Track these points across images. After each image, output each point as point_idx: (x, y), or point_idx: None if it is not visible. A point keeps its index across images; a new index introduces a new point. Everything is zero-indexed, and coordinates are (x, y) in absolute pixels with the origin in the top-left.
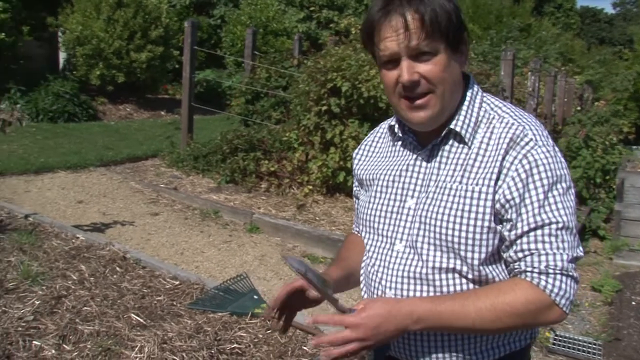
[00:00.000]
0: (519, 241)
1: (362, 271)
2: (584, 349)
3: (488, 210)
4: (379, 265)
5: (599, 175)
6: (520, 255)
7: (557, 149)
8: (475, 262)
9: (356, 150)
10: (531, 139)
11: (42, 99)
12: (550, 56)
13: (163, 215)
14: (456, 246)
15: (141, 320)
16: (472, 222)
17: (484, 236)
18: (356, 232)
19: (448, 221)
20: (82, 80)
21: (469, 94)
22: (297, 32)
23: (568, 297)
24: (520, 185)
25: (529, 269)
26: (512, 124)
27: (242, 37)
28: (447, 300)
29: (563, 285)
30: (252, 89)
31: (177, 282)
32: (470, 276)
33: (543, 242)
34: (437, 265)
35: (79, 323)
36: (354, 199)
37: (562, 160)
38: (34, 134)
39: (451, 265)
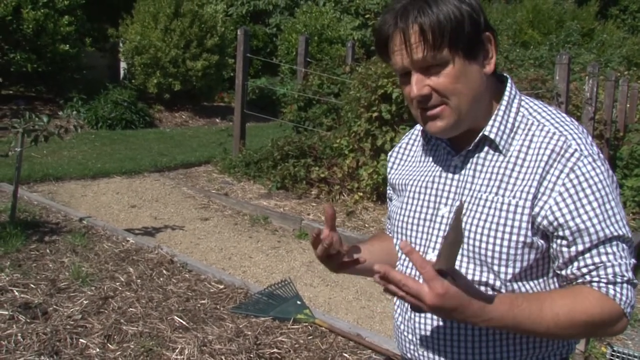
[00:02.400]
0: (581, 257)
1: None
2: None
3: (524, 225)
4: (412, 275)
5: None
6: (584, 270)
7: (601, 155)
8: (509, 277)
9: (390, 153)
10: (575, 150)
11: (102, 107)
12: (613, 60)
13: (213, 220)
14: (489, 260)
15: (184, 323)
16: (507, 236)
17: (519, 251)
18: (388, 232)
19: (482, 234)
20: (140, 89)
21: (505, 97)
22: (351, 40)
23: (632, 305)
24: (570, 201)
25: (596, 279)
26: (554, 133)
27: (297, 45)
28: (523, 303)
29: (629, 294)
30: (304, 96)
31: (222, 286)
32: (502, 291)
33: (607, 254)
34: (470, 277)
35: (124, 323)
36: (387, 200)
37: (607, 165)
38: (93, 141)
39: (484, 279)
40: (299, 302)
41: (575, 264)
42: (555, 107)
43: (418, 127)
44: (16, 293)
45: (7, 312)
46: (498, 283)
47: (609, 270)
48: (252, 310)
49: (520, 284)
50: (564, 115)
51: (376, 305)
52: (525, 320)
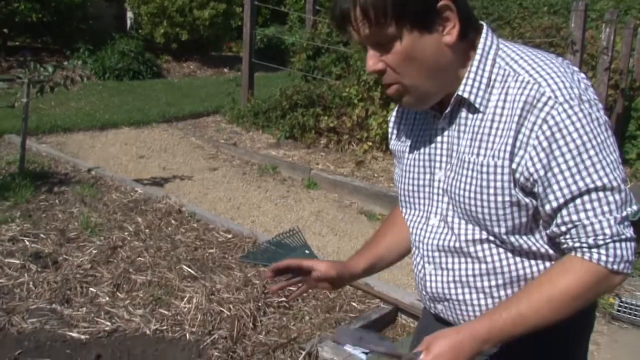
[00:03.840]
0: (558, 214)
1: (410, 236)
2: None
3: (506, 184)
4: (417, 241)
5: None
6: (563, 229)
7: (586, 97)
8: (504, 234)
9: (389, 119)
10: (549, 97)
11: (109, 57)
12: (634, 7)
13: (222, 170)
14: (481, 221)
15: (192, 272)
16: (492, 197)
17: (507, 210)
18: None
19: (469, 197)
20: (146, 39)
21: (478, 52)
22: None
23: (626, 260)
24: (543, 155)
25: (577, 244)
26: (527, 82)
27: None
28: (502, 312)
29: (618, 252)
30: (313, 45)
31: (230, 236)
32: (504, 244)
33: (585, 210)
34: (470, 237)
35: (133, 273)
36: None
37: (595, 108)
38: (100, 92)
39: (484, 236)
40: (307, 252)
41: (554, 222)
42: (571, 56)
43: None
44: (27, 243)
45: (18, 261)
46: (498, 240)
47: (589, 229)
48: (260, 259)
49: (522, 239)
50: (546, 56)
51: None
52: (512, 328)
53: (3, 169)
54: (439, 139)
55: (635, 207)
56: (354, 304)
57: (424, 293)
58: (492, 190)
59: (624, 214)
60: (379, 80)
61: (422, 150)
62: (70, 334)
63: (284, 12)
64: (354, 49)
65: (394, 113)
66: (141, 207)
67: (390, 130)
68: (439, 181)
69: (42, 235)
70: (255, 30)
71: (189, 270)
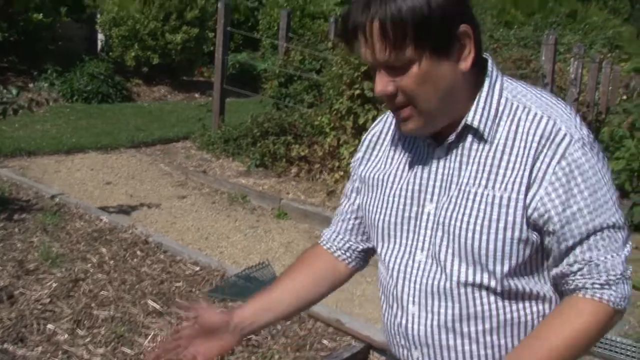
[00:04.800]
0: (571, 253)
1: (379, 282)
2: (624, 351)
3: (518, 219)
4: (399, 278)
5: None
6: (574, 268)
7: (591, 136)
8: (504, 275)
9: (362, 142)
10: (565, 134)
11: (77, 79)
12: (597, 42)
13: (190, 198)
14: (483, 259)
15: (157, 307)
16: (500, 232)
17: (514, 247)
18: (323, 242)
19: (474, 231)
20: (117, 62)
21: (487, 81)
22: (334, 15)
23: (627, 297)
24: (561, 191)
25: (589, 284)
26: (541, 117)
27: (278, 20)
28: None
29: (624, 291)
30: (285, 72)
31: (198, 268)
32: (498, 290)
33: (597, 248)
34: (462, 279)
35: (95, 308)
36: (344, 198)
37: (597, 147)
38: (68, 115)
39: (477, 280)
40: None
41: (566, 260)
42: (541, 88)
43: (390, 113)
44: None
45: None
46: (493, 282)
47: (601, 267)
48: (228, 293)
49: (518, 281)
50: (549, 95)
51: (355, 288)
52: None
53: None
54: (433, 169)
55: (630, 244)
56: (324, 341)
57: (400, 337)
58: (502, 225)
59: (627, 251)
60: (351, 109)
61: (410, 180)
62: None
63: (256, 39)
64: (327, 76)
65: (368, 137)
66: (106, 236)
67: (360, 155)
68: (429, 214)
69: None
70: (228, 56)
71: (154, 305)
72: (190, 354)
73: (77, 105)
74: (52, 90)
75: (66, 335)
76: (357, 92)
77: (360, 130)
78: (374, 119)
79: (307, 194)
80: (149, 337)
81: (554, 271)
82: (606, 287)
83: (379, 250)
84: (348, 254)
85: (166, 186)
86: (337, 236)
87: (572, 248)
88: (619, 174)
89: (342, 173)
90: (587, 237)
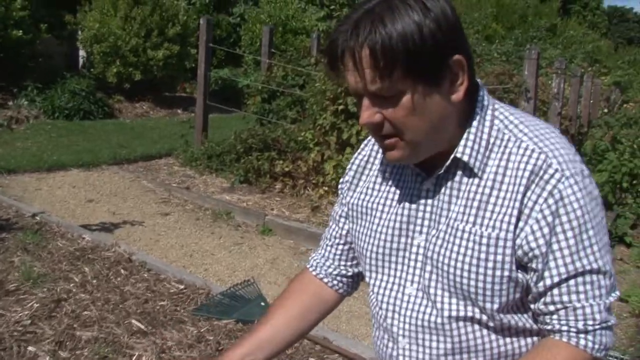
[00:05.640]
0: (549, 293)
1: (371, 308)
2: None
3: (508, 258)
4: (389, 310)
5: (625, 179)
6: (551, 308)
7: (586, 171)
8: (495, 311)
9: (349, 167)
10: (556, 170)
11: (59, 96)
12: (577, 56)
13: (174, 215)
14: (473, 296)
15: (142, 327)
16: (489, 272)
17: (504, 286)
18: (312, 269)
19: (462, 269)
20: (99, 78)
21: (478, 110)
22: (316, 31)
23: (607, 347)
24: (546, 230)
25: (565, 328)
26: (533, 150)
27: (261, 36)
28: None
29: (603, 339)
30: (268, 88)
31: (183, 287)
32: (491, 324)
33: (577, 292)
34: (454, 314)
35: (77, 328)
36: (333, 222)
37: (593, 186)
38: (49, 132)
39: (469, 314)
40: (262, 304)
41: (542, 299)
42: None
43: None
44: None
45: None
46: (484, 317)
47: (579, 312)
48: (214, 312)
49: (511, 316)
50: (544, 124)
51: (342, 304)
52: None
53: None
54: (422, 201)
55: (617, 293)
56: (311, 359)
57: None
58: (490, 264)
59: (611, 300)
60: (335, 124)
61: (398, 211)
62: None
63: (238, 54)
64: (310, 92)
65: (356, 162)
66: (88, 255)
67: (349, 179)
68: (418, 246)
69: None
70: (210, 72)
71: (139, 324)
72: None
73: (59, 122)
74: (32, 107)
75: (48, 358)
76: (341, 107)
77: (344, 145)
78: (357, 134)
79: (291, 210)
80: (134, 358)
81: (532, 307)
82: (583, 333)
83: (368, 280)
84: (337, 279)
85: (149, 203)
86: (325, 261)
87: (550, 288)
88: (602, 186)
89: (326, 188)
90: (567, 279)
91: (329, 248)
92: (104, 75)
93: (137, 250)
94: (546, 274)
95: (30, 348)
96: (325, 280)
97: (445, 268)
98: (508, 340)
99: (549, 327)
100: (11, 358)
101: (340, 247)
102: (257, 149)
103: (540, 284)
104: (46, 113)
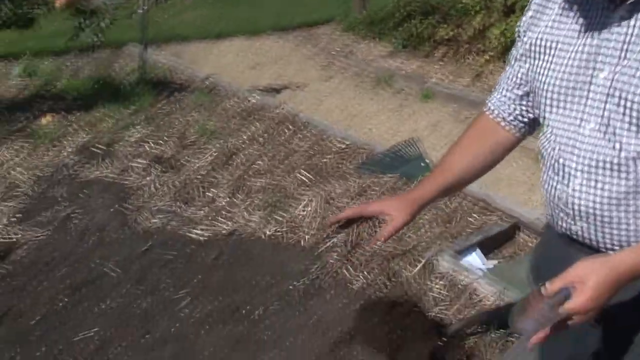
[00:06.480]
0: None
1: (541, 144)
2: None
3: None
4: (565, 145)
5: None
6: None
7: None
8: None
9: (529, 5)
10: None
11: None
12: None
13: (335, 80)
14: None
15: (308, 178)
16: None
17: None
18: (489, 112)
19: None
20: None
21: None
22: None
23: None
24: None
25: None
26: None
27: None
28: None
29: None
30: None
31: (345, 145)
32: None
33: None
34: (633, 154)
35: (250, 178)
36: (508, 64)
37: None
38: (213, 4)
39: None
40: (422, 163)
41: None
42: None
43: None
44: (149, 147)
45: (143, 163)
46: None
47: None
48: (376, 168)
49: None
50: None
51: (505, 169)
52: None
53: (125, 77)
54: (610, 34)
55: None
56: (473, 216)
57: (562, 208)
58: None
59: None
60: None
61: (586, 42)
62: (191, 234)
63: None
64: None
65: (536, 1)
66: (256, 114)
67: (528, 18)
68: (605, 79)
69: (163, 139)
70: None
71: (305, 176)
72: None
73: None
74: None
75: (226, 200)
76: None
77: (509, 11)
78: None
79: (453, 76)
80: (301, 205)
81: None
82: None
83: (543, 118)
84: (514, 123)
85: (311, 69)
86: (501, 105)
87: None
88: None
89: (490, 54)
90: None
91: (505, 92)
92: None
93: (301, 111)
94: None
95: (210, 192)
96: (502, 123)
97: (634, 106)
98: None
99: None
100: (195, 199)
101: (516, 90)
102: (419, 14)
103: None
104: None
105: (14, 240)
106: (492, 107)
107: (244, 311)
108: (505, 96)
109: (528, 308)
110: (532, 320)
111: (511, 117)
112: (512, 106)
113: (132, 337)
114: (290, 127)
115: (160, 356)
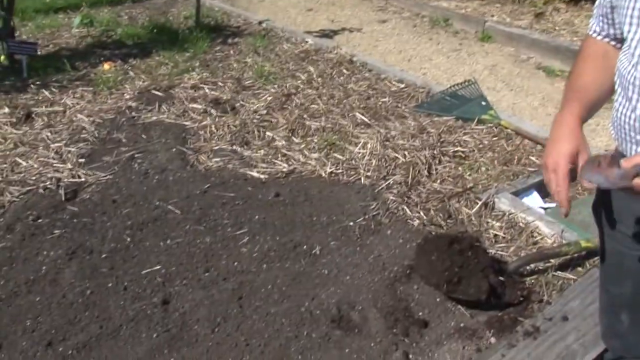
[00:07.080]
0: None
1: (617, 74)
2: None
3: None
4: None
5: None
6: None
7: None
8: None
9: None
10: None
11: None
12: None
13: (391, 22)
14: None
15: (365, 119)
16: None
17: None
18: (595, 34)
19: None
20: None
21: None
22: None
23: None
24: None
25: None
26: None
27: None
28: None
29: None
30: None
31: (403, 85)
32: None
33: None
34: None
35: (307, 119)
36: None
37: None
38: None
39: None
40: (483, 103)
41: None
42: None
43: None
44: (206, 90)
45: (201, 106)
46: None
47: None
48: (434, 109)
49: None
50: None
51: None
52: None
53: (181, 23)
54: None
55: None
56: (532, 157)
57: (633, 136)
58: None
59: None
60: None
61: None
62: (251, 173)
63: None
64: None
65: None
66: (312, 57)
67: None
68: None
69: (219, 83)
70: None
71: (362, 117)
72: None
73: None
74: None
75: (283, 142)
76: None
77: None
78: None
79: (512, 16)
80: (359, 145)
81: None
82: None
83: (625, 35)
84: (616, 40)
85: (366, 11)
86: (602, 25)
87: None
88: None
89: None
90: None
91: (600, 17)
92: None
93: (357, 53)
94: None
95: (268, 133)
96: (607, 39)
97: None
98: None
99: None
100: (254, 140)
101: (608, 10)
102: None
103: None
104: None
105: (82, 181)
106: (595, 29)
107: (303, 248)
108: (601, 17)
109: (600, 167)
110: (603, 177)
111: (613, 34)
112: (610, 25)
113: (194, 273)
114: (347, 69)
115: (221, 291)
